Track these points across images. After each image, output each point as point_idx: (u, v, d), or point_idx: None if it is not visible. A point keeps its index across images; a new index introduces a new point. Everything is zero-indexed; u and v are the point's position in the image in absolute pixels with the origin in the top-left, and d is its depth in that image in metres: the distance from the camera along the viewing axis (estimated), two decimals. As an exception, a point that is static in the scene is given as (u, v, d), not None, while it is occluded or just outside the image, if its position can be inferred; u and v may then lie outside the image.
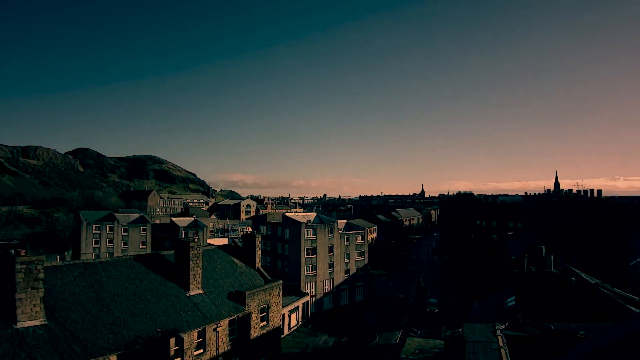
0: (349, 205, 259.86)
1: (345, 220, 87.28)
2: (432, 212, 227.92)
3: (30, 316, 19.93)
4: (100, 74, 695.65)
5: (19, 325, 19.47)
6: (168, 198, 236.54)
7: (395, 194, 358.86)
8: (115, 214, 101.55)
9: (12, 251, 20.49)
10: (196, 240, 31.02)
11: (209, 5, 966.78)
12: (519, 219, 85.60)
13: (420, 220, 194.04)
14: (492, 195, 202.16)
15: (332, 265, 69.99)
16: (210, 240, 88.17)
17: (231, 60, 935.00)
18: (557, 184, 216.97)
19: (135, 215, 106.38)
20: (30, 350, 18.84)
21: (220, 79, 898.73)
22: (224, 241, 77.70)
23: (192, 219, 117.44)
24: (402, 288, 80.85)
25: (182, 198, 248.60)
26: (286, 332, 55.15)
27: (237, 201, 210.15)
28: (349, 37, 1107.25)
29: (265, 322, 34.25)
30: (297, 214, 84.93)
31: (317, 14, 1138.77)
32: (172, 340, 25.00)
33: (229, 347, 29.66)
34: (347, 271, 72.59)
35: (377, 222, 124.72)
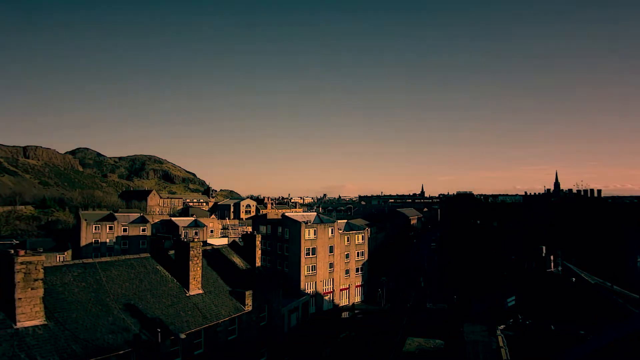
0: (349, 205, 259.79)
1: (345, 220, 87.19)
2: (432, 211, 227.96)
3: (30, 316, 19.92)
4: (100, 74, 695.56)
5: (19, 325, 19.45)
6: (168, 198, 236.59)
7: (395, 194, 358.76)
8: (115, 214, 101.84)
9: (12, 251, 20.48)
10: (196, 240, 31.03)
11: (206, 7, 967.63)
12: (519, 219, 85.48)
13: (421, 219, 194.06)
14: (492, 195, 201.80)
15: (332, 265, 69.99)
16: (210, 240, 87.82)
17: (231, 59, 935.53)
18: (557, 184, 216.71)
19: (135, 215, 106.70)
20: (30, 350, 18.83)
21: (220, 78, 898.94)
22: (224, 241, 77.42)
23: (192, 218, 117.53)
24: (402, 288, 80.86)
25: (182, 198, 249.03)
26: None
27: (237, 201, 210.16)
28: (348, 36, 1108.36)
29: (265, 322, 34.28)
30: (297, 213, 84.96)
31: (321, 8, 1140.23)
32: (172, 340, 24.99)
33: (229, 347, 29.65)
34: (347, 271, 72.58)
35: (377, 222, 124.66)
